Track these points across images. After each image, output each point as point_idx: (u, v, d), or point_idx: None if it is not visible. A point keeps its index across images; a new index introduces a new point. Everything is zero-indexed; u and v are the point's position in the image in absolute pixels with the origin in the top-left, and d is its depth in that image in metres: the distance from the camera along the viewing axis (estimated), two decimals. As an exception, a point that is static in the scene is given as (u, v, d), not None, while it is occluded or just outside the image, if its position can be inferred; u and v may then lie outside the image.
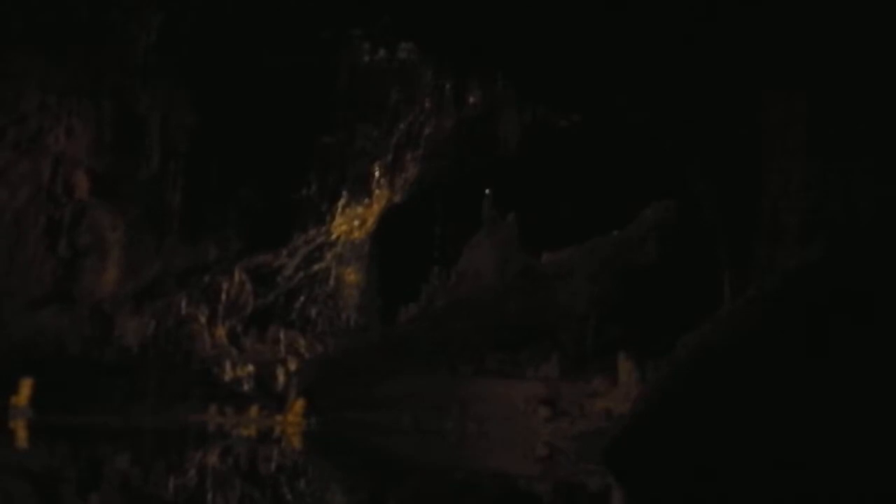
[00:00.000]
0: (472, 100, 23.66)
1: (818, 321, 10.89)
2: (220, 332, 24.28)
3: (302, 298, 26.18)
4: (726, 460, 10.54)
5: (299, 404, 19.96)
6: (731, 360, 11.33)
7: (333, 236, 25.20)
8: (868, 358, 10.21)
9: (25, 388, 19.19)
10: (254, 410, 20.23)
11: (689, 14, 15.45)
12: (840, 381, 10.29)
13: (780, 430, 10.25)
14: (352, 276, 26.73)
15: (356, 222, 25.32)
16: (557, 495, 11.06)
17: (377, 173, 24.49)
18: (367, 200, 24.81)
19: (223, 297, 24.34)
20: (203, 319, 24.11)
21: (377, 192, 24.76)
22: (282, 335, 25.12)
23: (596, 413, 18.34)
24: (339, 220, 24.68)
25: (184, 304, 23.87)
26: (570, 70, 18.07)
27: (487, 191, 25.31)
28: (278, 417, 19.99)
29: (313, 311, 26.39)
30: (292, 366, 23.72)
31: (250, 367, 23.64)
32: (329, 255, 25.75)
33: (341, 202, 24.36)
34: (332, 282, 26.40)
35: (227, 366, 23.39)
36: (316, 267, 25.80)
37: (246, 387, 23.07)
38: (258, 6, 20.62)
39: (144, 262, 23.37)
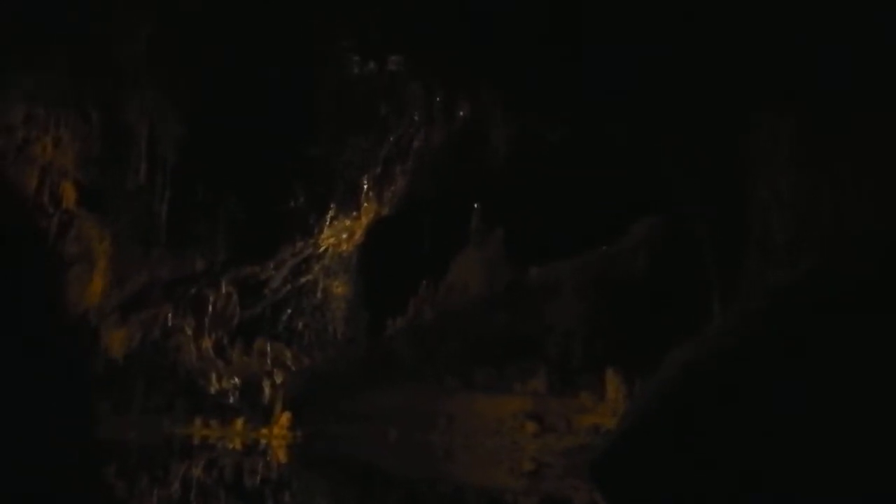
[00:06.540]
0: (461, 113, 23.62)
1: (807, 337, 10.87)
2: (207, 343, 24.17)
3: (289, 311, 26.11)
4: (712, 478, 10.50)
5: (285, 417, 19.86)
6: (719, 378, 11.30)
7: (321, 248, 25.13)
8: (857, 374, 10.19)
9: (9, 399, 19.03)
10: (239, 423, 20.11)
11: (677, 32, 15.46)
12: (828, 398, 10.26)
13: (766, 448, 10.22)
14: (339, 288, 26.67)
15: (344, 234, 25.25)
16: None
17: (366, 186, 24.44)
18: (355, 213, 24.75)
19: (209, 308, 24.25)
20: (189, 331, 24.00)
21: (365, 204, 24.70)
22: (268, 347, 25.04)
23: (583, 428, 18.29)
24: (326, 232, 24.61)
25: (170, 315, 23.77)
26: (560, 84, 18.07)
27: (476, 204, 25.30)
28: (264, 430, 19.89)
29: (300, 324, 26.32)
30: (278, 378, 23.63)
31: (236, 380, 23.54)
32: (316, 268, 25.69)
33: (329, 214, 24.30)
34: (319, 294, 26.34)
35: (213, 378, 23.29)
36: (303, 279, 25.73)
37: (232, 399, 22.97)
38: (247, 18, 20.57)
39: (131, 273, 23.27)
